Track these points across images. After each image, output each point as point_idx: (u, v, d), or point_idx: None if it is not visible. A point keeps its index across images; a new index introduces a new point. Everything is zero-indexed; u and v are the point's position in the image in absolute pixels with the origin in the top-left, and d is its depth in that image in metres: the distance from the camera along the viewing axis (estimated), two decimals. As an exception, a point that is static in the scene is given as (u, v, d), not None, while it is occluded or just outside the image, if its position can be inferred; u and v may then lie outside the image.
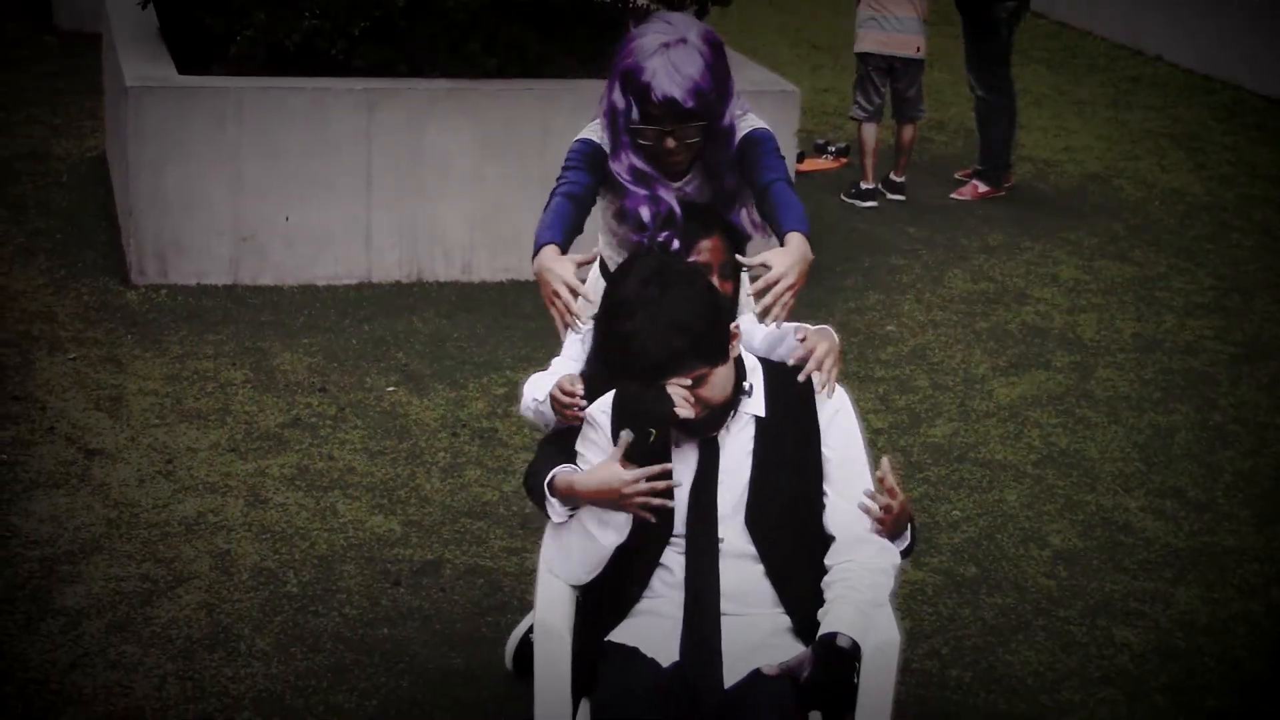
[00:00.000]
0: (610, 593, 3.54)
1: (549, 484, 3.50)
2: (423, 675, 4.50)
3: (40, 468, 5.49)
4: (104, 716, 4.25)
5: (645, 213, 3.65)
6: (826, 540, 3.53)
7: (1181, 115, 11.31)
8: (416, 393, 6.24)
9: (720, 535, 3.47)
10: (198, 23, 7.43)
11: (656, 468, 3.36)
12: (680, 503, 3.47)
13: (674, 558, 3.49)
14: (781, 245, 3.49)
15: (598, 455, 3.50)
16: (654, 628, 3.46)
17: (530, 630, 4.17)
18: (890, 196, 9.04)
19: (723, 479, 3.48)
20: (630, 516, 3.41)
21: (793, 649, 3.42)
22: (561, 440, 3.67)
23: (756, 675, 3.35)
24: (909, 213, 8.86)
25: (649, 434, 3.36)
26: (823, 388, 3.51)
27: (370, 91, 7.17)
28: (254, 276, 7.19)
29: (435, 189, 7.32)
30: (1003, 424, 6.30)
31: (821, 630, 3.37)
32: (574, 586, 3.58)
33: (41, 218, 7.80)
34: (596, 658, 3.45)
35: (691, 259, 3.67)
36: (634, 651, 3.42)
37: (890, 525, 3.45)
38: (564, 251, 3.51)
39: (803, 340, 3.54)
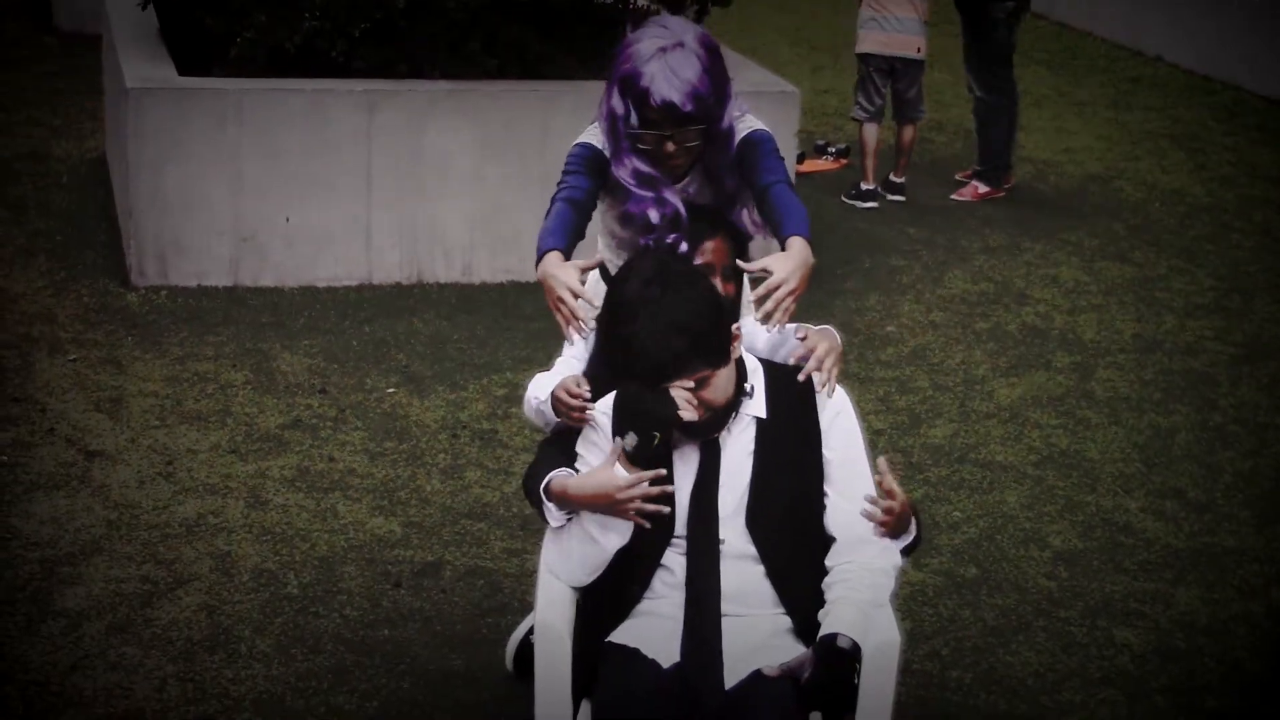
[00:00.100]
0: (611, 594, 3.54)
1: (545, 488, 3.50)
2: (423, 676, 4.50)
3: (40, 469, 5.49)
4: (104, 718, 4.25)
5: (654, 215, 3.65)
6: (827, 541, 3.53)
7: (1182, 116, 11.31)
8: (417, 394, 6.24)
9: (721, 536, 3.47)
10: (198, 24, 7.43)
11: (650, 473, 3.37)
12: (681, 504, 3.47)
13: (675, 559, 3.49)
14: (783, 249, 3.49)
15: (598, 457, 3.50)
16: (655, 629, 3.46)
17: (531, 631, 4.16)
18: (890, 197, 9.04)
19: (724, 480, 3.48)
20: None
21: (793, 650, 3.43)
22: (561, 442, 3.67)
23: (757, 676, 3.35)
24: (909, 213, 8.87)
25: (653, 437, 3.37)
26: (823, 387, 3.51)
27: (370, 93, 7.17)
28: (254, 278, 7.19)
29: (435, 190, 7.32)
30: (1003, 425, 6.30)
31: (822, 631, 3.37)
32: (574, 588, 3.58)
33: (41, 219, 7.81)
34: (597, 659, 3.45)
35: (696, 260, 3.67)
36: (635, 653, 3.42)
37: (893, 525, 3.46)
38: (567, 257, 3.51)
39: (804, 339, 3.55)
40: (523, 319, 6.93)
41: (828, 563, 3.51)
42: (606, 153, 3.66)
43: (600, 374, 3.63)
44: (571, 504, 3.48)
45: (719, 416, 3.44)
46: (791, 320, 3.49)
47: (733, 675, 3.37)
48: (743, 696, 3.33)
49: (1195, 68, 12.56)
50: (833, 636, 3.34)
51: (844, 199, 8.97)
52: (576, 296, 3.41)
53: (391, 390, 6.26)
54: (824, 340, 3.55)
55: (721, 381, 3.41)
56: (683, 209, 3.67)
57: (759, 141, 3.67)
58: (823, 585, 3.48)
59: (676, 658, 3.41)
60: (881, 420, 6.23)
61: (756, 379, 3.55)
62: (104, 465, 5.54)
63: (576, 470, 3.54)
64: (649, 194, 3.65)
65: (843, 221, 8.63)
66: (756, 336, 3.74)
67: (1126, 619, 5.01)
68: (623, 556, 3.49)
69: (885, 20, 8.75)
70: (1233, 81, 12.14)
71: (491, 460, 5.75)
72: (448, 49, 7.31)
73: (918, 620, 4.90)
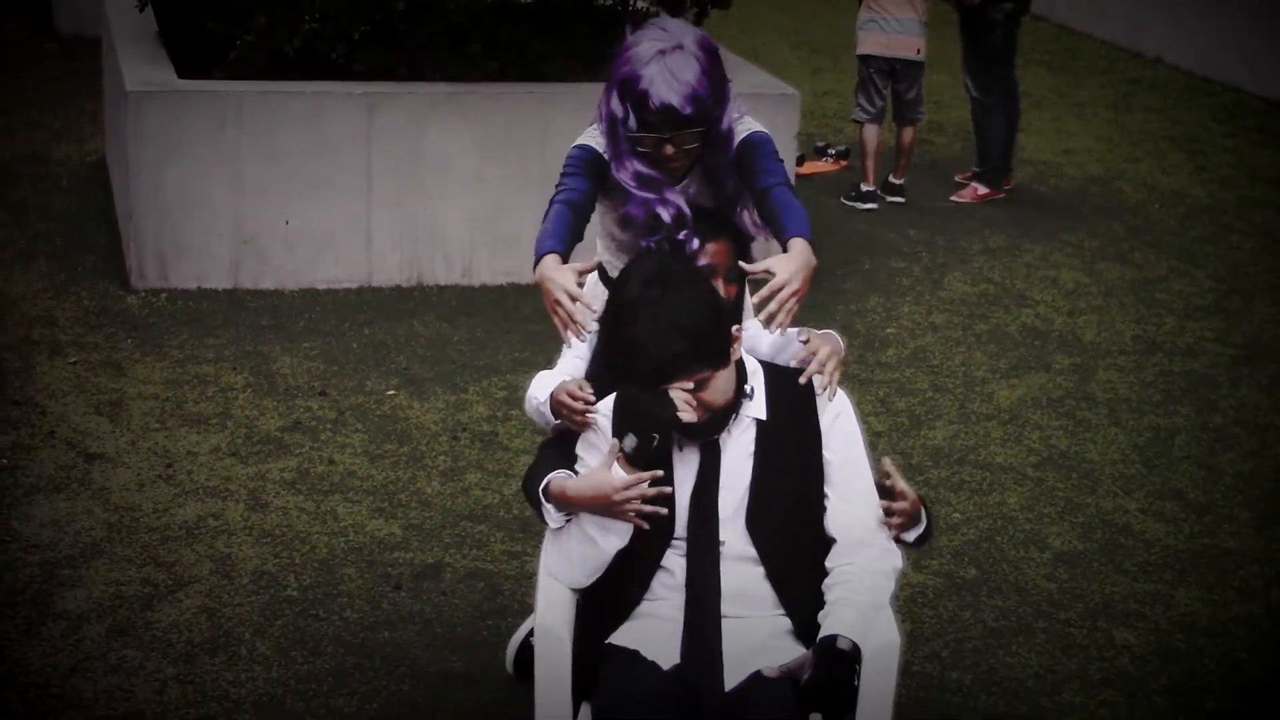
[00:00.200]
0: (611, 596, 3.54)
1: (544, 489, 3.51)
2: (423, 679, 4.50)
3: (40, 472, 5.49)
4: (105, 720, 4.26)
5: (664, 214, 3.65)
6: (827, 543, 3.53)
7: (1182, 117, 11.31)
8: (417, 396, 6.24)
9: (721, 538, 3.47)
10: (197, 27, 7.43)
11: (648, 474, 3.37)
12: (681, 505, 3.47)
13: (675, 560, 3.49)
14: (784, 251, 3.49)
15: (598, 459, 3.50)
16: (655, 630, 3.46)
17: (531, 633, 4.16)
18: (890, 199, 9.04)
19: (724, 482, 3.49)
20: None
21: (793, 651, 3.43)
22: (561, 444, 3.67)
23: (757, 677, 3.36)
24: (909, 215, 8.87)
25: (652, 439, 3.37)
26: (824, 390, 3.51)
27: (370, 95, 7.17)
28: (254, 280, 7.19)
29: (435, 192, 7.33)
30: (1003, 426, 6.30)
31: (822, 632, 3.37)
32: (574, 590, 3.58)
33: (41, 222, 7.81)
34: (597, 661, 3.46)
35: (699, 262, 3.68)
36: (634, 655, 3.42)
37: (904, 522, 3.53)
38: (565, 259, 3.51)
39: (806, 342, 3.55)
40: (523, 321, 6.93)
41: (828, 564, 3.51)
42: (605, 155, 3.66)
43: (602, 376, 3.63)
44: (570, 505, 3.48)
45: (719, 418, 3.44)
46: (793, 321, 3.49)
47: (732, 677, 3.37)
48: (742, 698, 3.33)
49: (1195, 69, 12.57)
50: (833, 638, 3.34)
51: (844, 201, 8.97)
52: (574, 299, 3.41)
53: (392, 392, 6.26)
54: (826, 344, 3.56)
55: (721, 383, 3.41)
56: (686, 208, 3.68)
57: (758, 144, 3.68)
58: (823, 587, 3.49)
59: (676, 659, 3.41)
60: (881, 422, 6.23)
61: (756, 381, 3.55)
62: (104, 468, 5.54)
63: (576, 472, 3.54)
64: (651, 195, 3.65)
65: (842, 223, 8.63)
66: (760, 339, 3.74)
67: (1126, 620, 5.01)
68: (622, 558, 3.49)
69: (885, 22, 8.76)
70: (1233, 83, 12.14)
71: (492, 462, 5.75)
72: (448, 51, 7.31)
73: (918, 622, 4.90)
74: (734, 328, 3.47)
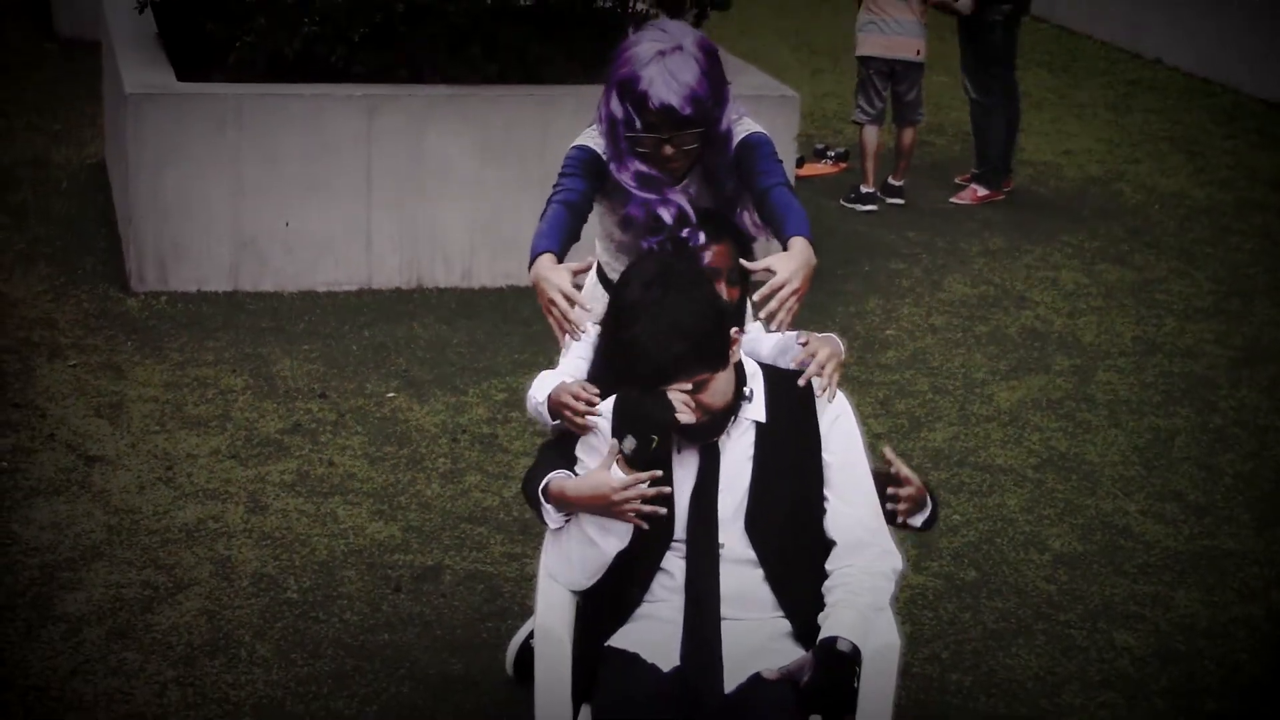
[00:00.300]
0: (611, 597, 3.54)
1: (543, 490, 3.51)
2: (423, 681, 4.50)
3: (41, 475, 5.49)
4: (105, 723, 4.26)
5: (665, 214, 3.65)
6: (827, 545, 3.53)
7: (1181, 119, 11.31)
8: (417, 398, 6.24)
9: (720, 540, 3.47)
10: (197, 29, 7.43)
11: (646, 475, 3.37)
12: (681, 507, 3.47)
13: (675, 562, 3.49)
14: (784, 250, 3.49)
15: (597, 460, 3.50)
16: (654, 632, 3.46)
17: (531, 635, 4.17)
18: (889, 201, 9.04)
19: (723, 484, 3.49)
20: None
21: (793, 653, 3.43)
22: (561, 445, 3.67)
23: (757, 679, 3.36)
24: (909, 217, 8.87)
25: (651, 440, 3.37)
26: (823, 392, 3.51)
27: (370, 97, 7.17)
28: (254, 283, 7.19)
29: (435, 195, 7.33)
30: (1003, 428, 6.30)
31: (822, 634, 3.37)
32: (574, 592, 3.58)
33: (41, 225, 7.81)
34: (597, 663, 3.46)
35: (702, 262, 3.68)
36: (634, 657, 3.42)
37: (911, 507, 3.63)
38: (560, 259, 3.51)
39: (805, 345, 3.55)
40: (522, 323, 6.94)
41: (828, 566, 3.51)
42: (604, 156, 3.66)
43: (604, 377, 3.62)
44: (569, 505, 3.48)
45: (718, 420, 3.44)
46: (794, 321, 3.49)
47: (732, 679, 3.37)
48: (742, 700, 3.33)
49: (1195, 70, 12.57)
50: (832, 640, 3.34)
51: (843, 202, 8.97)
52: (568, 299, 3.41)
53: (391, 395, 6.26)
54: (825, 346, 3.56)
55: (721, 385, 3.41)
56: (689, 208, 3.68)
57: (757, 144, 3.68)
58: (823, 589, 3.49)
59: (676, 661, 3.41)
60: (881, 424, 6.23)
61: (756, 383, 3.55)
62: (104, 470, 5.55)
63: (575, 474, 3.54)
64: (653, 195, 3.65)
65: (842, 225, 8.63)
66: (761, 343, 3.75)
67: (1126, 622, 5.01)
68: (622, 560, 3.49)
69: (885, 23, 8.76)
70: (1232, 84, 12.14)
71: (491, 464, 5.75)
72: (447, 53, 7.31)
73: (917, 623, 4.90)
74: (733, 330, 3.47)
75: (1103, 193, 9.52)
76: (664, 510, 3.41)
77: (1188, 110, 11.57)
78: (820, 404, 3.54)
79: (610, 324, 3.46)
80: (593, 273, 3.98)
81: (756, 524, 3.48)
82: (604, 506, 3.40)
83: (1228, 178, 9.93)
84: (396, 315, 7.06)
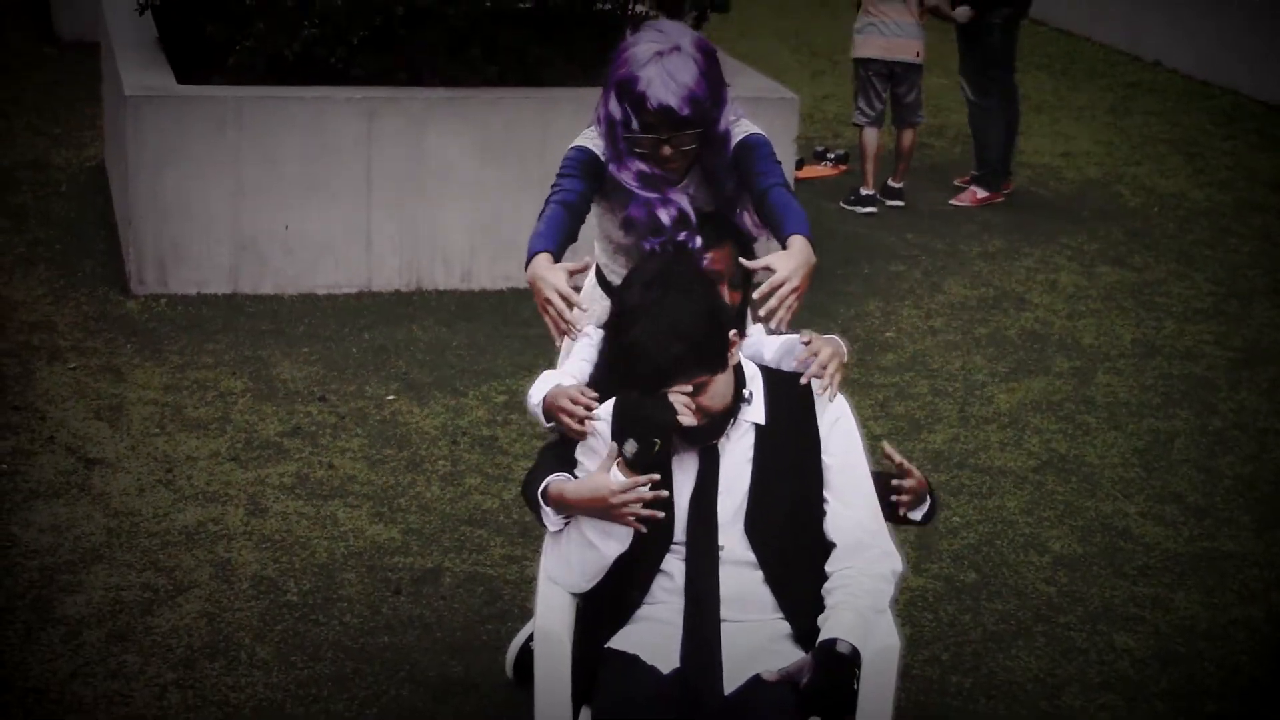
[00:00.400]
0: (611, 599, 3.54)
1: (543, 493, 3.51)
2: (423, 683, 4.50)
3: (40, 477, 5.49)
4: (104, 726, 4.26)
5: (664, 215, 3.65)
6: (826, 547, 3.53)
7: (1181, 121, 11.31)
8: (416, 401, 6.24)
9: (720, 542, 3.47)
10: (196, 32, 7.43)
11: (644, 478, 3.37)
12: (681, 510, 3.47)
13: (675, 564, 3.49)
14: (784, 250, 3.49)
15: (596, 463, 3.50)
16: (654, 634, 3.46)
17: (531, 638, 4.17)
18: (889, 203, 9.04)
19: (723, 486, 3.49)
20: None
21: (792, 655, 3.43)
22: (561, 448, 3.67)
23: (756, 681, 3.36)
24: (908, 219, 8.87)
25: (653, 444, 3.37)
26: (824, 391, 3.51)
27: (370, 99, 7.17)
28: (254, 285, 7.20)
29: (435, 197, 7.33)
30: (1002, 430, 6.30)
31: (821, 636, 3.37)
32: (574, 594, 3.58)
33: (41, 227, 7.81)
34: (597, 665, 3.46)
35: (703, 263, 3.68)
36: (634, 659, 3.42)
37: (911, 500, 3.68)
38: (557, 259, 3.52)
39: (808, 344, 3.55)
40: (522, 325, 6.94)
41: (827, 568, 3.51)
42: (603, 157, 3.66)
43: (608, 381, 3.61)
44: (568, 508, 3.48)
45: (717, 422, 3.44)
46: (793, 320, 3.49)
47: (732, 680, 3.37)
48: (742, 701, 3.33)
49: (1194, 73, 12.57)
50: (832, 641, 3.34)
51: (843, 204, 8.97)
52: (565, 298, 3.42)
53: (391, 397, 6.26)
54: (828, 346, 3.56)
55: (720, 387, 3.41)
56: (689, 208, 3.68)
57: (755, 145, 3.68)
58: (822, 591, 3.49)
59: (676, 663, 3.41)
60: (881, 426, 6.23)
61: (755, 385, 3.55)
62: (104, 473, 5.55)
63: (575, 476, 3.54)
64: (654, 195, 3.65)
65: (842, 227, 8.63)
66: (765, 346, 3.75)
67: (1126, 624, 5.01)
68: (622, 562, 3.49)
69: (884, 25, 8.77)
70: (1232, 86, 12.15)
71: (491, 467, 5.75)
72: (447, 56, 7.31)
73: (917, 625, 4.90)
74: (732, 332, 3.47)
75: (1102, 195, 9.53)
76: (662, 514, 3.41)
77: (1187, 112, 11.57)
78: (820, 406, 3.54)
79: (612, 326, 3.47)
80: (591, 275, 3.98)
81: (756, 526, 3.48)
82: (603, 509, 3.40)
83: (1227, 179, 9.94)
84: (396, 318, 7.06)
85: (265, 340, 6.72)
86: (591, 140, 3.70)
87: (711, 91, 3.57)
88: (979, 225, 8.81)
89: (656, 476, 3.40)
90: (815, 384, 3.52)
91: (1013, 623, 4.98)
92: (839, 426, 3.56)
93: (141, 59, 7.53)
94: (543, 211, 3.64)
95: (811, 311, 6.46)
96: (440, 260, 7.39)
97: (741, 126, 3.71)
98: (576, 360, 3.80)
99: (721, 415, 3.44)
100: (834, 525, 3.53)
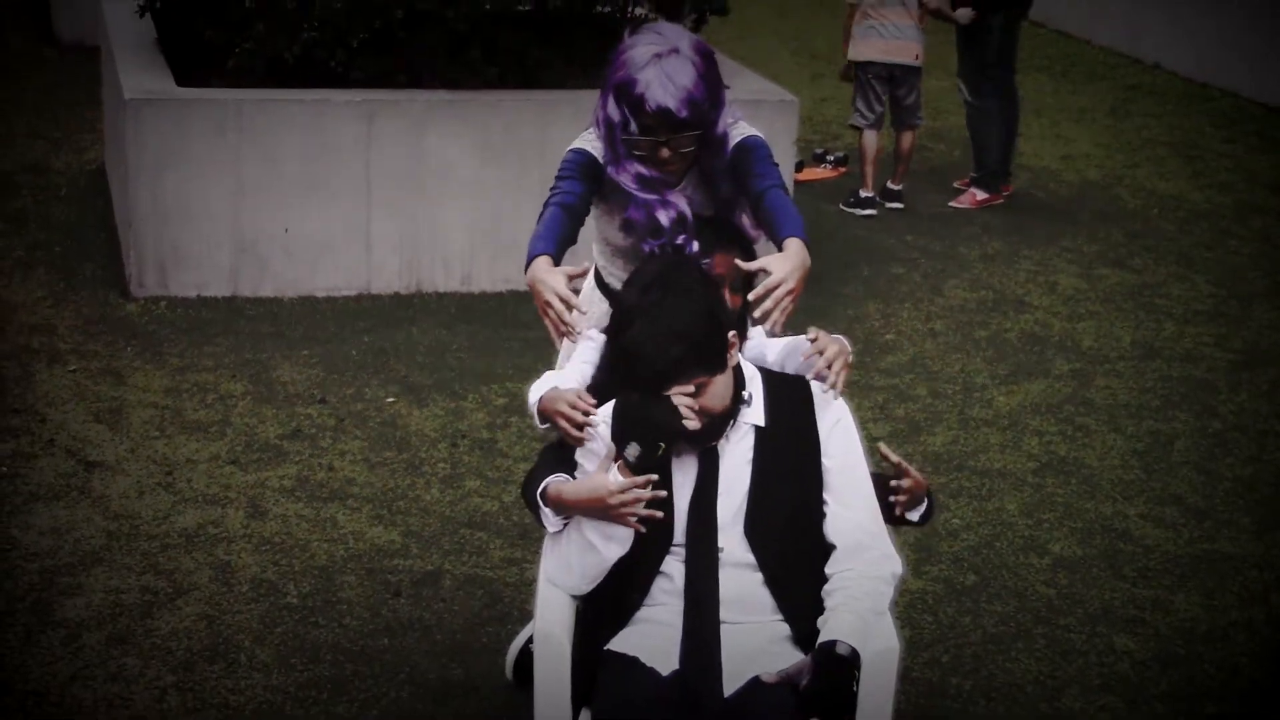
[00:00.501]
0: (610, 602, 3.54)
1: (542, 493, 3.51)
2: (423, 686, 4.50)
3: (40, 480, 5.49)
4: (104, 728, 4.26)
5: (663, 217, 3.66)
6: (826, 549, 3.53)
7: (1180, 123, 11.32)
8: (416, 403, 6.25)
9: (720, 544, 3.47)
10: (196, 35, 7.44)
11: (642, 479, 3.37)
12: (680, 512, 3.47)
13: (674, 566, 3.49)
14: (780, 252, 3.49)
15: (596, 465, 3.50)
16: (654, 636, 3.46)
17: (530, 640, 4.17)
18: (889, 205, 9.04)
19: (722, 488, 3.49)
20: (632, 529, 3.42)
21: (792, 657, 3.43)
22: (561, 449, 3.66)
23: (756, 683, 3.35)
24: (908, 221, 8.87)
25: (657, 447, 3.37)
26: (829, 388, 3.50)
27: (369, 102, 7.18)
28: (253, 288, 7.20)
29: (435, 199, 7.33)
30: (1002, 432, 6.30)
31: (821, 638, 3.37)
32: (574, 596, 3.58)
33: (41, 230, 7.81)
34: (596, 667, 3.46)
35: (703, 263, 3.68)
36: (634, 661, 3.42)
37: (908, 500, 3.68)
38: (557, 262, 3.52)
39: (814, 340, 3.54)
40: (522, 328, 6.93)
41: (827, 570, 3.51)
42: (601, 159, 3.66)
43: (610, 383, 3.61)
44: (567, 509, 3.48)
45: (717, 424, 3.44)
46: (789, 323, 3.49)
47: (731, 682, 3.37)
48: (741, 703, 3.33)
49: (1194, 75, 12.57)
50: (832, 643, 3.34)
51: (842, 207, 8.98)
52: (564, 301, 3.42)
53: (391, 400, 6.26)
54: (833, 344, 3.55)
55: (719, 388, 3.41)
56: (688, 210, 3.68)
57: (753, 147, 3.68)
58: (822, 593, 3.48)
59: (675, 665, 3.41)
60: (880, 428, 6.23)
61: (755, 387, 3.55)
62: (104, 476, 5.55)
63: (575, 478, 3.54)
64: (653, 196, 3.66)
65: (841, 229, 8.63)
66: (768, 348, 3.75)
67: (1126, 626, 5.01)
68: (622, 564, 3.49)
69: (884, 27, 8.77)
70: (1231, 88, 12.15)
71: (491, 469, 5.75)
72: (446, 58, 7.32)
73: (917, 628, 4.90)
74: (731, 333, 3.47)
75: (1102, 197, 9.53)
76: (660, 514, 3.41)
77: (1187, 114, 11.58)
78: (820, 408, 3.54)
79: (613, 328, 3.47)
80: (590, 277, 3.98)
81: (756, 528, 3.48)
82: (601, 510, 3.40)
83: (1227, 181, 9.94)
84: (396, 320, 7.06)
85: (265, 343, 6.72)
86: (590, 142, 3.70)
87: (710, 94, 3.57)
88: (978, 227, 8.81)
89: (655, 477, 3.40)
90: (815, 386, 3.52)
91: (1012, 625, 4.98)
92: (839, 428, 3.56)
93: (141, 62, 7.53)
94: (542, 214, 3.64)
95: (811, 314, 6.44)
96: (440, 263, 7.39)
97: (739, 129, 3.71)
98: (578, 363, 3.80)
99: (721, 417, 3.44)
100: (834, 527, 3.53)
